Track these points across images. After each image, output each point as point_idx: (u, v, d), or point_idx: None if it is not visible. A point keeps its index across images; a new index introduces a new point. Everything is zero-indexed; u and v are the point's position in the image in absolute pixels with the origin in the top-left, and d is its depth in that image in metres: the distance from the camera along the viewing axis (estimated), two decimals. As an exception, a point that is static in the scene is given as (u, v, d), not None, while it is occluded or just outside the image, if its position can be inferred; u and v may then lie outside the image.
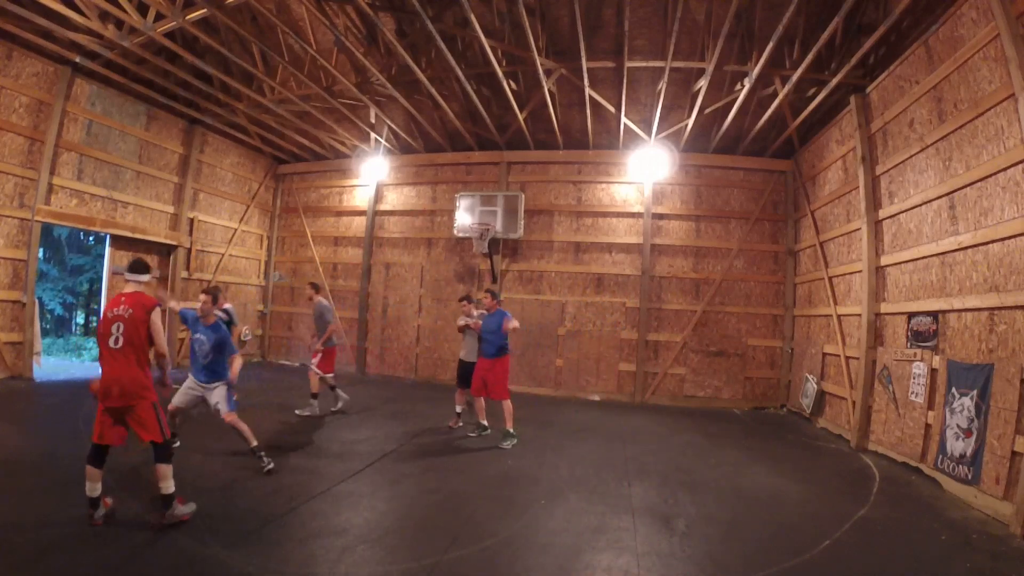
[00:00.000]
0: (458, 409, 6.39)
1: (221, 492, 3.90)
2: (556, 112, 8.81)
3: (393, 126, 9.89)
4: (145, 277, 3.58)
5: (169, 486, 3.25)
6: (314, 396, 6.61)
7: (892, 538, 3.73)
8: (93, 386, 3.32)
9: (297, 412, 6.57)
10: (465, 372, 6.18)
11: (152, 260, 9.59)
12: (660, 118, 8.59)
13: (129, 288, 3.46)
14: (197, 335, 4.42)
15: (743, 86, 7.30)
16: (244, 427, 4.38)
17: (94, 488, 3.14)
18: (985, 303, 4.55)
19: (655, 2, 6.99)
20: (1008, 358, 4.22)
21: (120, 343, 3.26)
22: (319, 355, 6.61)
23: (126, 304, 3.32)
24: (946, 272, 5.19)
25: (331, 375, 6.79)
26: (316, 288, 6.98)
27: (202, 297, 4.49)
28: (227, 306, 6.77)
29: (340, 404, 6.88)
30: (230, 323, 6.37)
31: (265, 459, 4.40)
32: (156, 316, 3.39)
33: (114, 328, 3.27)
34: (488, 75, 7.91)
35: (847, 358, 7.07)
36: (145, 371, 3.33)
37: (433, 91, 8.01)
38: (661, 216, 9.82)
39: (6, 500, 3.43)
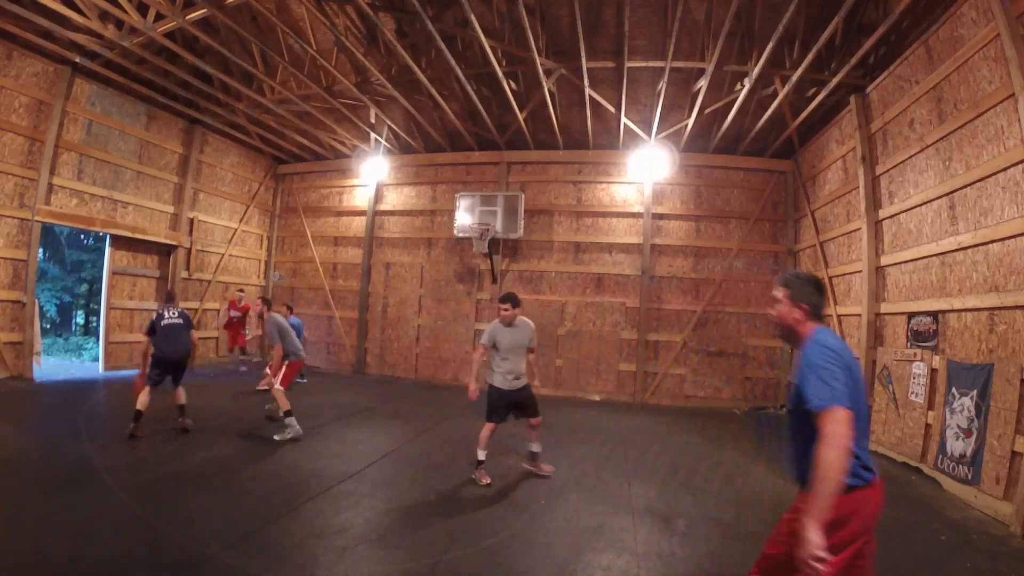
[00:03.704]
0: (481, 456, 4.54)
1: (221, 492, 3.91)
2: (556, 112, 8.81)
3: (393, 126, 9.89)
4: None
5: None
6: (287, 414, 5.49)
7: (892, 538, 3.72)
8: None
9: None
10: (503, 402, 4.79)
11: (152, 260, 9.62)
12: (660, 118, 8.59)
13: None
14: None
15: (743, 86, 7.30)
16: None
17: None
18: (985, 303, 4.55)
19: (655, 2, 6.99)
20: (1008, 358, 4.22)
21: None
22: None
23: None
24: (946, 272, 5.19)
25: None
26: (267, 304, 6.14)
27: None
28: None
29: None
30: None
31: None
32: None
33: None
34: (488, 75, 7.91)
35: (847, 358, 7.06)
36: None
37: (433, 91, 8.01)
38: (661, 216, 9.82)
39: (6, 500, 3.43)
